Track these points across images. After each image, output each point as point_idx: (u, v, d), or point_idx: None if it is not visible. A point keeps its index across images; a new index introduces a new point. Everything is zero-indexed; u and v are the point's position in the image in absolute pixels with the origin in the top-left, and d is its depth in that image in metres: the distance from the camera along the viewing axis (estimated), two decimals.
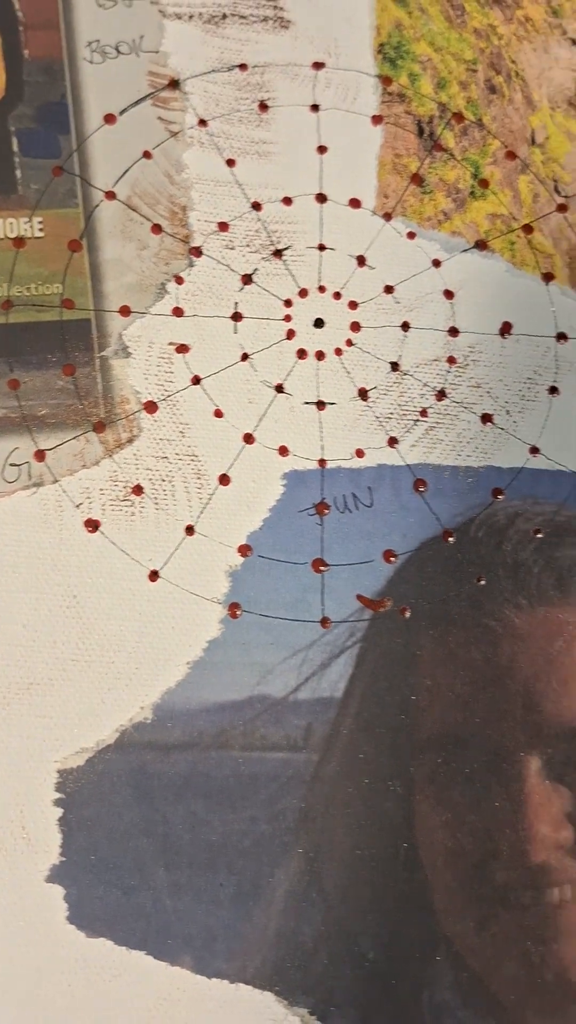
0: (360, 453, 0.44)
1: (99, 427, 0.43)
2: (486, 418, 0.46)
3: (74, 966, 0.37)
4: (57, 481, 0.42)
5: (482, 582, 0.43)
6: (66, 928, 0.37)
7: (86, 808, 0.38)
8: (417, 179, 0.49)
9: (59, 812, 0.38)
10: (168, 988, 0.37)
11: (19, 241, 0.44)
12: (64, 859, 0.38)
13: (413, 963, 0.38)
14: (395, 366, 0.46)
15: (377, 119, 0.49)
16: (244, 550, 0.42)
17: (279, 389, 0.45)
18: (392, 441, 0.45)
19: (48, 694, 0.39)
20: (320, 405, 0.45)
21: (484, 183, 0.49)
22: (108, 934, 0.37)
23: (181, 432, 0.44)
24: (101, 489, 0.42)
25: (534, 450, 0.45)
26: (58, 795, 0.38)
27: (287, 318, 0.46)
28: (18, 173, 0.45)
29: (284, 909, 0.38)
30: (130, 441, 0.43)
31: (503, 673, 0.41)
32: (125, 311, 0.45)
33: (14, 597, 0.40)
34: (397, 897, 0.39)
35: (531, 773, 0.40)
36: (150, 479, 0.43)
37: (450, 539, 0.43)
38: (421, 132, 0.50)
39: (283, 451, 0.44)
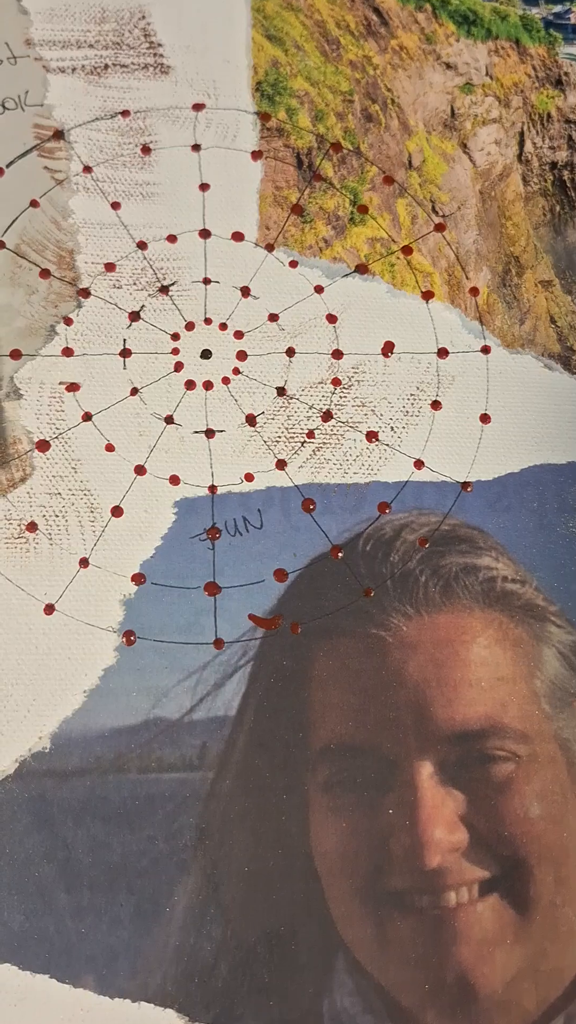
0: (249, 477, 0.43)
1: None
2: (371, 435, 0.44)
3: None
4: None
5: (371, 595, 0.41)
6: None
7: None
8: (297, 209, 0.47)
9: None
10: (72, 1010, 0.35)
11: None
12: None
13: (313, 972, 0.37)
14: (281, 391, 0.44)
15: (256, 154, 0.47)
16: (138, 578, 0.40)
17: (169, 420, 0.43)
18: (280, 464, 0.43)
19: None
20: (209, 433, 0.43)
21: (363, 209, 0.47)
22: (12, 959, 0.35)
23: (73, 468, 0.42)
24: None
25: (419, 463, 0.44)
26: None
27: (175, 351, 0.44)
28: None
29: (183, 925, 0.36)
30: (23, 480, 0.41)
31: (393, 681, 0.40)
32: (16, 355, 0.43)
33: None
34: (295, 908, 0.37)
35: (423, 778, 0.39)
36: (44, 515, 0.41)
37: (339, 555, 0.42)
38: (300, 164, 0.48)
39: (174, 480, 0.42)
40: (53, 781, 0.37)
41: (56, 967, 0.35)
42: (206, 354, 0.44)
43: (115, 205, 0.46)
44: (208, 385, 0.44)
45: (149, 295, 0.45)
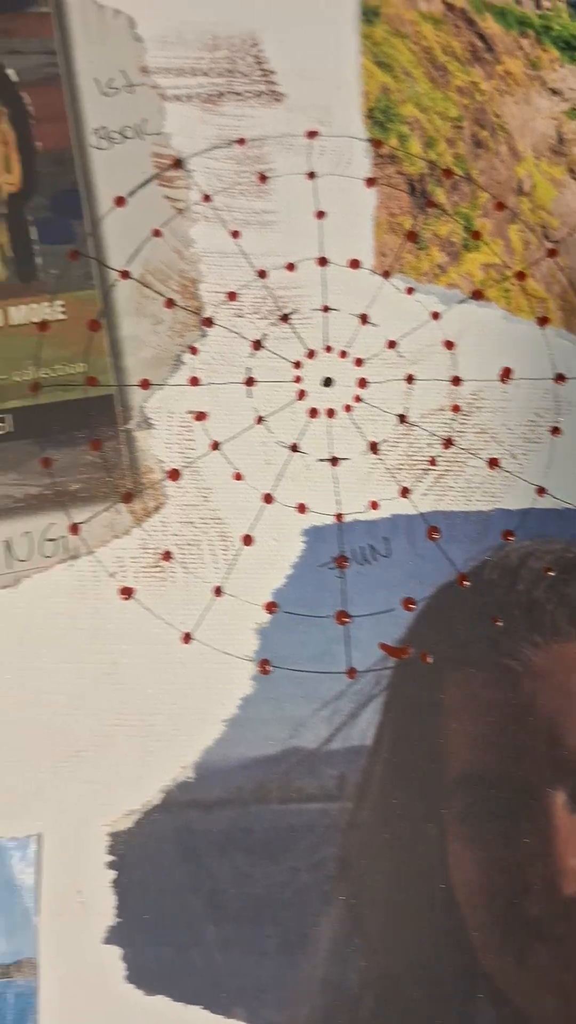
0: (375, 505, 0.42)
1: (127, 498, 0.41)
2: (493, 462, 0.43)
3: None
4: (92, 552, 0.40)
5: (499, 623, 0.40)
6: (125, 988, 0.35)
7: (137, 869, 0.36)
8: (412, 236, 0.46)
9: (112, 874, 0.36)
10: None
11: (43, 325, 0.43)
12: (120, 920, 0.36)
13: (456, 1001, 0.36)
14: (402, 418, 0.44)
15: (370, 181, 0.47)
16: (270, 607, 0.40)
17: (294, 448, 0.43)
18: (404, 491, 0.43)
19: (95, 760, 0.37)
20: (334, 461, 0.43)
21: (476, 235, 0.47)
22: (165, 991, 0.35)
23: (204, 497, 0.41)
24: (133, 557, 0.40)
25: (541, 490, 0.43)
26: (110, 858, 0.36)
27: (297, 379, 0.44)
28: (38, 260, 0.44)
29: (329, 957, 0.36)
30: (157, 509, 0.41)
31: (525, 711, 0.39)
32: (145, 384, 0.43)
33: (57, 668, 0.38)
34: (436, 937, 0.36)
35: (558, 807, 0.38)
36: (178, 544, 0.41)
37: (465, 583, 0.41)
38: (413, 190, 0.47)
39: (301, 508, 0.42)
40: (197, 812, 0.37)
41: (207, 999, 0.35)
42: (328, 382, 0.43)
43: (235, 234, 0.45)
44: (331, 413, 0.43)
45: (270, 323, 0.44)
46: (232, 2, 0.49)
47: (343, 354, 0.44)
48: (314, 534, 0.41)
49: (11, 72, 0.46)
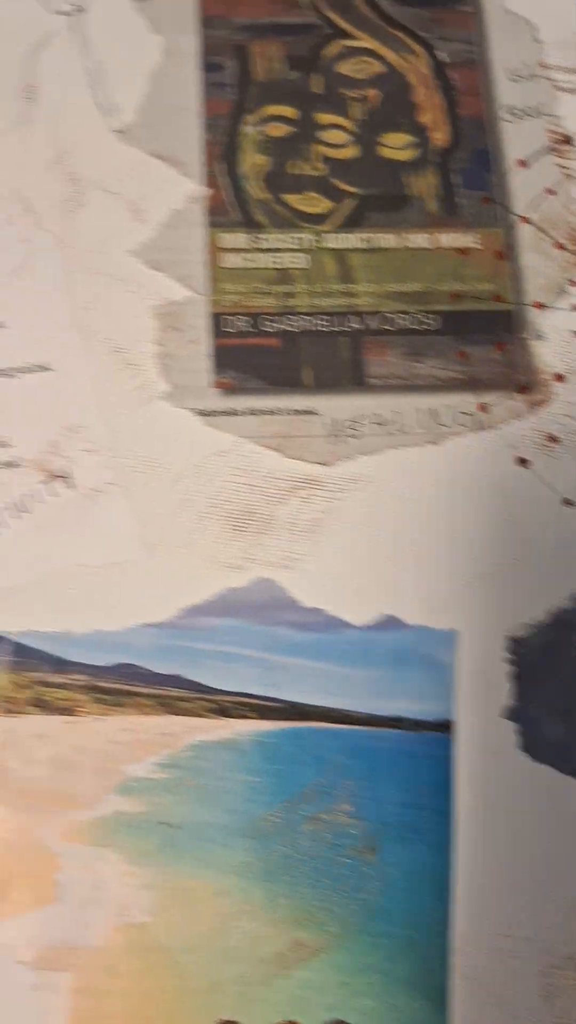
0: None
1: (523, 390, 0.50)
2: None
3: (524, 784, 0.43)
4: (495, 428, 0.50)
5: None
6: (518, 753, 0.44)
7: (530, 667, 0.45)
8: None
9: (511, 667, 0.45)
10: None
11: (463, 251, 0.53)
12: (516, 703, 0.44)
13: None
14: None
15: None
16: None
17: None
18: None
19: (494, 584, 0.47)
20: None
21: None
22: (549, 762, 0.44)
23: None
24: (526, 435, 0.50)
25: None
26: (510, 655, 0.45)
27: None
28: (459, 201, 0.54)
29: None
30: (545, 402, 0.50)
31: None
32: (538, 305, 0.52)
33: (467, 509, 0.48)
34: None
35: None
36: (561, 432, 0.50)
37: None
38: None
39: None
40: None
41: None
42: None
43: None
44: None
45: None
46: None
47: None
48: None
49: (441, 54, 0.57)
